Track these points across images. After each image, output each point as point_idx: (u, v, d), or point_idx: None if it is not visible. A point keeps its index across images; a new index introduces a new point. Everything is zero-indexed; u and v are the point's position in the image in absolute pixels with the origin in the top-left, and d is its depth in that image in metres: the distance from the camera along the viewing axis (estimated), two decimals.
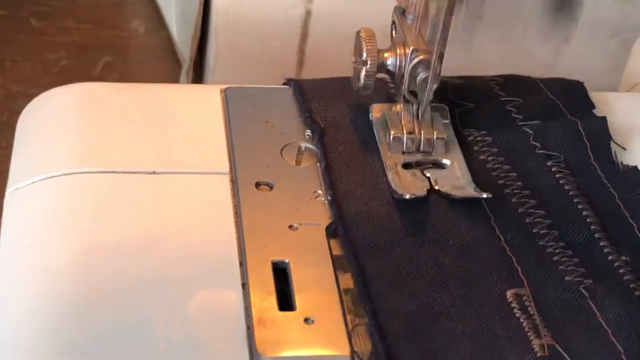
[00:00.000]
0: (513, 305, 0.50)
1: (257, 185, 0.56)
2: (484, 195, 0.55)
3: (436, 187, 0.56)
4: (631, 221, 0.56)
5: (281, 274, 0.52)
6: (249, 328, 0.48)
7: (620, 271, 0.52)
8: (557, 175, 0.58)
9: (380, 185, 0.57)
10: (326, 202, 0.56)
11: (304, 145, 0.59)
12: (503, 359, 0.48)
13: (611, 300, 0.51)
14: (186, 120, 0.60)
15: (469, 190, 0.56)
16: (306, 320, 0.49)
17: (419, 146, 0.58)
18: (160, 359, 0.47)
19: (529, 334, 0.49)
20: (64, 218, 0.54)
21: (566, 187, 0.57)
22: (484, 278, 0.51)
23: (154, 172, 0.56)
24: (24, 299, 0.49)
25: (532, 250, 0.53)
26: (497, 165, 0.58)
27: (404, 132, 0.58)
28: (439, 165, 0.58)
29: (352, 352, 0.48)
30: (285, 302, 0.50)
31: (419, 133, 0.58)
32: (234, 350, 0.47)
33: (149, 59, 1.00)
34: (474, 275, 0.51)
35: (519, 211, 0.56)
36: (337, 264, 0.52)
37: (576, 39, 0.92)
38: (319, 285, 0.51)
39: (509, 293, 0.51)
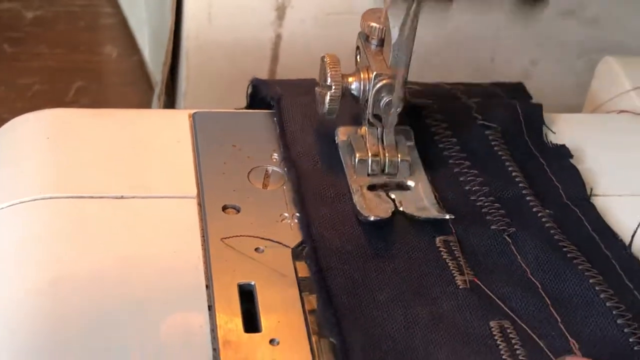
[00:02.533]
0: (441, 249, 0.55)
1: (224, 208, 0.57)
2: (447, 217, 0.56)
3: (401, 209, 0.57)
4: (557, 184, 0.61)
5: (247, 296, 0.53)
6: (215, 350, 0.49)
7: (543, 220, 0.58)
8: (493, 143, 0.63)
9: (346, 208, 0.58)
10: (292, 224, 0.57)
11: (270, 168, 0.60)
12: (428, 291, 0.53)
13: (532, 245, 0.56)
14: (154, 145, 0.61)
15: (433, 211, 0.57)
16: (271, 341, 0.50)
17: (384, 168, 0.59)
18: None
19: (453, 272, 0.54)
20: (33, 244, 0.54)
21: (499, 153, 0.62)
22: (417, 227, 0.56)
23: (121, 197, 0.57)
24: None
25: (463, 204, 0.59)
26: (440, 131, 0.63)
27: (369, 155, 0.59)
28: (403, 187, 0.59)
29: None
30: (251, 324, 0.51)
31: (384, 156, 0.59)
32: None
33: (121, 83, 1.01)
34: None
35: (454, 171, 0.60)
36: (303, 285, 0.53)
37: (544, 60, 0.93)
38: (284, 307, 0.52)
39: (437, 240, 0.56)
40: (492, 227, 0.57)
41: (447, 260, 0.55)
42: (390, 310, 0.51)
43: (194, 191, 0.58)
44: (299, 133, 0.62)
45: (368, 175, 0.59)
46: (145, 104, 0.95)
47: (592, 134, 0.67)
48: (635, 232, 0.59)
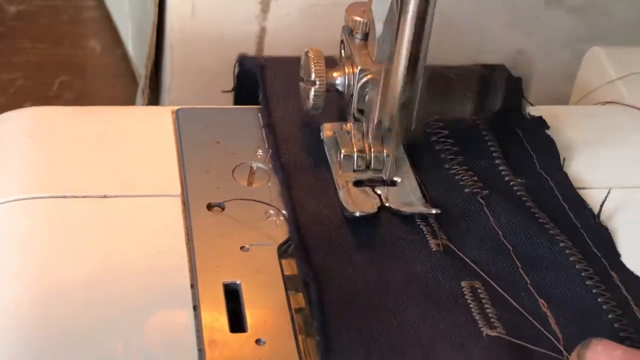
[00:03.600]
0: (417, 220, 0.57)
1: (209, 206, 0.57)
2: (433, 211, 0.56)
3: (387, 204, 0.57)
4: (532, 153, 0.62)
5: (233, 295, 0.52)
6: (201, 350, 0.49)
7: (515, 188, 0.59)
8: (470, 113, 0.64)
9: (332, 204, 0.57)
10: (278, 222, 0.56)
11: (255, 165, 0.60)
12: (402, 254, 0.54)
13: (504, 208, 0.57)
14: (138, 143, 0.61)
15: (419, 206, 0.57)
16: (257, 341, 0.49)
17: (370, 164, 0.58)
18: None
19: (427, 236, 0.55)
20: (15, 245, 0.53)
21: (477, 122, 0.64)
22: (402, 221, 0.56)
23: (104, 196, 0.56)
24: None
25: (438, 172, 0.60)
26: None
27: (355, 150, 0.58)
28: (390, 183, 0.59)
29: None
30: (237, 323, 0.50)
31: (369, 151, 0.58)
32: None
33: (105, 77, 1.00)
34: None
35: (431, 140, 0.62)
36: (289, 284, 0.53)
37: (530, 50, 0.93)
38: (270, 306, 0.51)
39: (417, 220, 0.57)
40: (466, 190, 0.59)
41: (421, 226, 0.56)
42: (364, 270, 0.53)
43: (178, 189, 0.57)
44: (282, 102, 0.62)
45: (354, 171, 0.58)
46: (130, 98, 0.94)
47: (578, 126, 0.66)
48: (604, 201, 0.60)
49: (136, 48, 0.99)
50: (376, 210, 0.56)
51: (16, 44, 1.02)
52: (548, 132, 0.64)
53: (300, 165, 0.59)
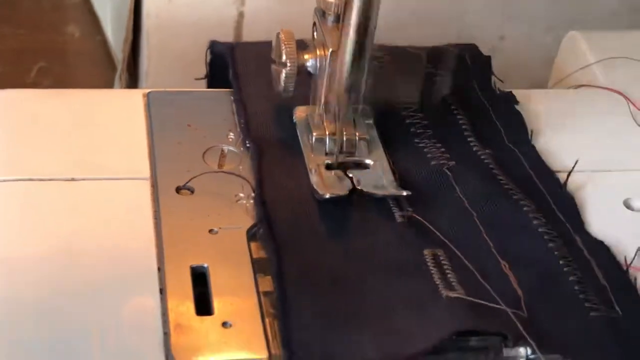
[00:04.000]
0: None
1: (178, 189, 0.56)
2: (404, 193, 0.56)
3: (358, 187, 0.56)
4: (500, 127, 0.63)
5: (200, 278, 0.52)
6: (166, 334, 0.48)
7: (482, 157, 0.60)
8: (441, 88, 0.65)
9: (303, 187, 0.57)
10: (248, 205, 0.55)
11: (226, 148, 0.59)
12: (367, 227, 0.55)
13: (470, 177, 0.58)
14: (108, 126, 0.60)
15: (390, 189, 0.56)
16: (224, 324, 0.49)
17: (342, 147, 0.58)
18: None
19: (393, 209, 0.56)
20: None
21: (446, 98, 0.64)
22: (374, 203, 0.56)
23: (72, 179, 0.56)
24: None
25: (407, 145, 0.60)
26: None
27: (326, 133, 0.58)
28: (362, 166, 0.58)
29: (270, 355, 0.48)
30: (204, 307, 0.50)
31: (341, 134, 0.58)
32: (151, 356, 0.47)
33: (84, 63, 0.99)
34: None
35: (402, 114, 0.62)
36: (257, 267, 0.52)
37: (512, 35, 0.92)
38: (238, 289, 0.51)
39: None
40: (433, 162, 0.59)
41: (389, 200, 0.56)
42: (328, 242, 0.53)
43: (147, 172, 0.57)
44: (252, 82, 0.62)
45: (326, 154, 0.58)
46: (108, 84, 0.94)
47: (548, 106, 0.66)
48: (571, 170, 0.60)
49: (115, 34, 0.98)
50: (347, 192, 0.56)
51: None
52: (518, 107, 0.65)
53: (271, 146, 0.58)
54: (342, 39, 0.55)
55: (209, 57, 0.67)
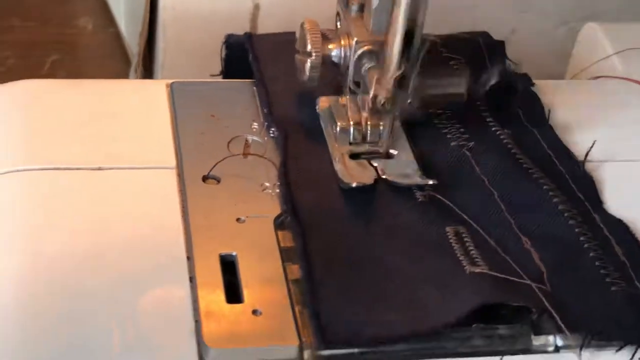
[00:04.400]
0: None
1: (204, 179, 0.56)
2: (430, 182, 0.56)
3: (383, 177, 0.56)
4: (518, 108, 0.64)
5: (229, 267, 0.52)
6: (197, 322, 0.48)
7: (502, 137, 0.61)
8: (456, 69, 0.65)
9: (327, 173, 0.57)
10: (274, 194, 0.56)
11: (250, 137, 0.59)
12: (389, 207, 0.55)
13: (490, 157, 0.59)
14: (132, 116, 0.60)
15: (415, 178, 0.56)
16: (254, 312, 0.49)
17: (366, 137, 0.58)
18: (111, 356, 0.47)
19: (414, 190, 0.56)
20: (8, 217, 0.53)
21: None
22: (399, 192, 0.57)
23: (99, 168, 0.56)
24: None
25: (427, 127, 0.61)
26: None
27: (351, 123, 0.58)
28: (386, 155, 0.58)
29: (301, 342, 0.48)
30: (233, 294, 0.50)
31: (366, 124, 0.58)
32: (183, 344, 0.47)
33: (97, 56, 0.99)
34: None
35: None
36: (285, 255, 0.52)
37: (524, 29, 0.93)
38: (266, 277, 0.51)
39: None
40: (452, 143, 0.60)
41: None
42: (352, 223, 0.54)
43: (173, 162, 0.57)
44: (271, 64, 0.63)
45: (350, 143, 0.58)
46: (122, 77, 0.94)
47: (565, 93, 0.67)
48: (589, 150, 0.61)
49: (129, 26, 0.98)
50: (372, 181, 0.56)
51: (5, 22, 1.01)
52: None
53: (294, 132, 0.59)
54: (392, 21, 0.54)
55: (224, 52, 0.67)
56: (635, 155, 0.62)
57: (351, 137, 0.58)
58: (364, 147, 0.58)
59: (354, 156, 0.58)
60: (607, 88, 0.69)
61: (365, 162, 0.57)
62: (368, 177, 0.56)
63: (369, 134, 0.58)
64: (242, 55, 0.65)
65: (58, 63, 0.97)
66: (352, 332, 0.48)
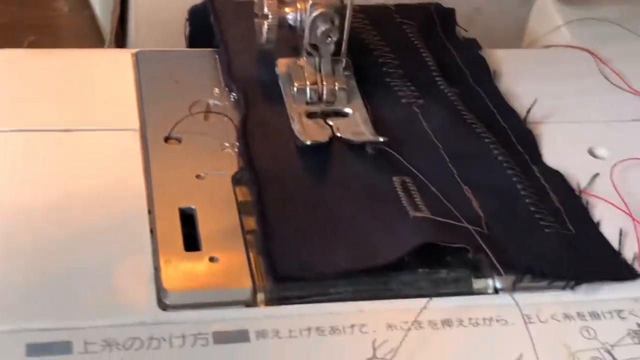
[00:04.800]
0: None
1: (166, 139, 0.59)
2: (381, 139, 0.59)
3: (338, 134, 0.59)
4: (465, 69, 0.67)
5: (189, 220, 0.54)
6: (157, 269, 0.51)
7: (449, 94, 0.64)
8: (410, 36, 0.68)
9: (285, 131, 0.60)
10: (233, 153, 0.58)
11: (212, 101, 0.62)
12: (340, 159, 0.58)
13: (437, 114, 0.62)
14: (99, 82, 0.63)
15: (368, 135, 0.59)
16: (211, 259, 0.52)
17: (322, 97, 0.61)
18: (77, 299, 0.49)
19: (365, 145, 0.59)
20: None
21: (415, 42, 0.68)
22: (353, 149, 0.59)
23: (67, 130, 0.59)
24: None
25: (379, 84, 0.64)
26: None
27: (307, 84, 0.61)
28: (341, 114, 0.61)
29: (254, 285, 0.51)
30: (192, 245, 0.53)
31: (322, 84, 0.61)
32: (143, 288, 0.50)
33: (73, 36, 1.01)
34: None
35: (374, 54, 0.66)
36: (242, 209, 0.55)
37: (487, 8, 0.95)
38: (224, 228, 0.54)
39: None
40: (403, 100, 0.63)
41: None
42: (306, 175, 0.56)
43: (137, 124, 0.60)
44: (233, 26, 0.65)
45: (307, 103, 0.61)
46: None
47: (518, 66, 0.70)
48: (530, 107, 0.64)
49: (103, 9, 1.00)
50: (327, 140, 0.59)
51: None
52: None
53: (254, 92, 0.61)
54: None
55: (187, 29, 0.70)
56: (574, 118, 0.65)
57: (308, 97, 0.61)
58: (320, 107, 0.61)
59: (311, 115, 0.61)
60: (555, 56, 0.72)
61: (321, 121, 0.60)
62: (323, 135, 0.59)
63: (324, 94, 0.61)
64: (205, 26, 0.68)
65: (35, 44, 0.99)
66: (303, 269, 0.51)
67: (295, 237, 0.52)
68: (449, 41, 0.70)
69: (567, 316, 0.52)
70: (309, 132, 0.59)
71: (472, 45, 0.70)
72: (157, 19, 0.88)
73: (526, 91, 0.67)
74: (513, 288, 0.52)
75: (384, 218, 0.54)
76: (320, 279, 0.51)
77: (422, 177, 0.56)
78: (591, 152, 0.63)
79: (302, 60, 0.62)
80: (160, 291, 0.50)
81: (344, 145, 0.59)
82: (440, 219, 0.53)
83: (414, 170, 0.57)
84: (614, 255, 0.55)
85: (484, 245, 0.51)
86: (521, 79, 0.68)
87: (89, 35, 1.01)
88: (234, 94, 0.62)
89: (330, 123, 0.60)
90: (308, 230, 0.53)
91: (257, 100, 0.61)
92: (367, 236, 0.53)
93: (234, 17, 0.66)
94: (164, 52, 0.66)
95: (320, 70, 0.61)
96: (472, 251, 0.52)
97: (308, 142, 0.58)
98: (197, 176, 0.57)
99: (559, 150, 0.62)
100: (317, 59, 0.61)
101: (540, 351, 0.49)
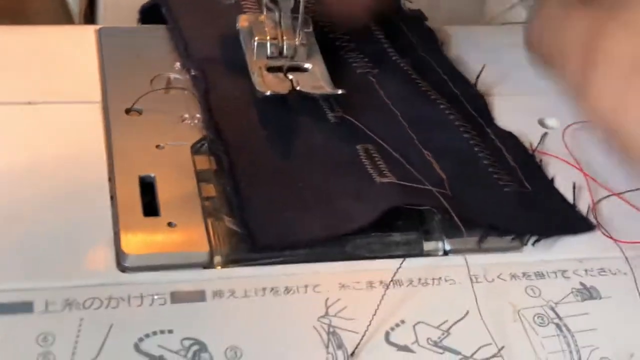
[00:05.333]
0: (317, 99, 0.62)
1: (127, 111, 0.61)
2: (339, 92, 0.61)
3: (297, 88, 0.61)
4: (412, 40, 0.70)
5: (148, 188, 0.56)
6: (116, 233, 0.53)
7: (401, 65, 0.67)
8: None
9: (246, 94, 0.61)
10: (193, 124, 0.60)
11: (173, 75, 0.64)
12: (304, 127, 0.60)
13: (392, 83, 0.65)
14: (61, 57, 0.64)
15: (327, 88, 0.61)
16: (169, 224, 0.53)
17: (282, 52, 0.63)
18: (42, 258, 0.51)
19: (326, 111, 0.61)
20: None
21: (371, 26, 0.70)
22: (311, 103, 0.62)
23: (29, 103, 0.60)
24: None
25: (334, 57, 0.65)
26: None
27: (268, 38, 0.62)
28: (301, 69, 0.63)
29: (211, 249, 0.52)
30: (152, 211, 0.54)
31: (282, 39, 0.62)
32: (102, 251, 0.52)
33: (44, 20, 1.03)
34: None
35: (330, 36, 0.68)
36: (200, 177, 0.57)
37: None
38: (182, 195, 0.55)
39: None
40: (359, 71, 0.66)
41: (320, 101, 0.62)
42: (271, 143, 0.58)
43: (98, 97, 0.61)
44: (201, 26, 0.66)
45: (267, 57, 0.62)
46: None
47: (469, 42, 0.72)
48: (480, 73, 0.67)
49: None
50: (287, 92, 0.60)
51: None
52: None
53: (213, 61, 0.63)
54: None
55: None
56: (525, 90, 0.67)
57: (268, 51, 0.62)
58: (281, 62, 0.62)
59: (271, 70, 0.62)
60: (506, 32, 0.74)
61: (281, 74, 0.62)
62: (283, 87, 0.60)
63: (285, 49, 0.62)
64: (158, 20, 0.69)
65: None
66: (281, 237, 0.53)
67: (270, 207, 0.54)
68: (395, 15, 0.72)
69: (513, 276, 0.54)
70: (269, 84, 0.60)
71: (418, 17, 0.72)
72: (124, 1, 0.90)
73: (474, 60, 0.69)
74: (479, 247, 0.54)
75: (351, 185, 0.56)
76: (299, 246, 0.53)
77: (383, 143, 0.58)
78: (541, 123, 0.65)
79: (263, 16, 0.63)
80: (119, 254, 0.51)
81: (304, 103, 0.60)
82: (406, 183, 0.55)
83: (375, 138, 0.59)
84: (571, 209, 0.58)
85: (448, 207, 0.53)
86: (470, 51, 0.70)
87: (59, 20, 1.02)
88: (193, 69, 0.63)
89: (290, 77, 0.62)
90: (281, 199, 0.55)
91: (217, 71, 0.63)
92: (338, 203, 0.55)
93: (184, 6, 0.68)
94: (126, 29, 0.68)
95: (280, 26, 0.62)
96: (439, 213, 0.54)
97: (268, 93, 0.59)
98: (157, 146, 0.58)
99: (510, 120, 0.64)
100: (277, 14, 0.62)
101: (486, 308, 0.51)
